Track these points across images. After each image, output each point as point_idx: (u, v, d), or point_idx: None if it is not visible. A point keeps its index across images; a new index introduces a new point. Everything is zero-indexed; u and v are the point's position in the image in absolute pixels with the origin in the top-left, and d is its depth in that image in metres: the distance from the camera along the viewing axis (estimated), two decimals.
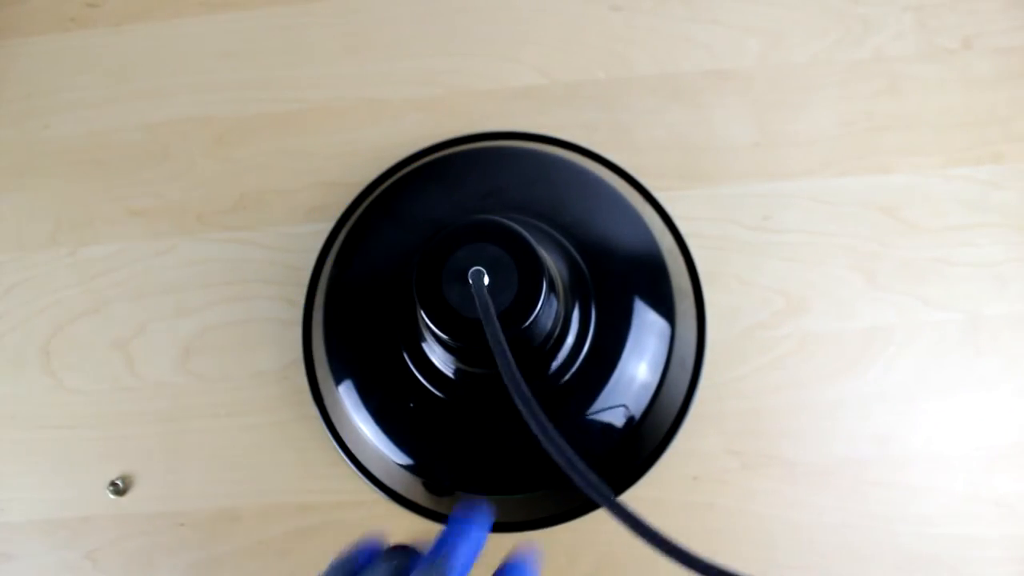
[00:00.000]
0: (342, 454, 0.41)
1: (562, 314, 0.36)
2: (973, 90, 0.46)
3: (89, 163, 0.47)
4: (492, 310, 0.29)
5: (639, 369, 0.39)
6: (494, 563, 0.28)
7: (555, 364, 0.37)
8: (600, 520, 0.40)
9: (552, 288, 0.33)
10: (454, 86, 0.47)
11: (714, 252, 0.44)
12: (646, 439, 0.40)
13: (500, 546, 0.41)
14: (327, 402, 0.42)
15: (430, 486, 0.40)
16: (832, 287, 0.43)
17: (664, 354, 0.40)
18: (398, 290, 0.40)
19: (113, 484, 0.42)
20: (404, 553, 0.29)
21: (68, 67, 0.49)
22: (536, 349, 0.35)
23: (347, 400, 0.41)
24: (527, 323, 0.31)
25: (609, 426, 0.39)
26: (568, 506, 0.40)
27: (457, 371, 0.38)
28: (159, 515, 0.42)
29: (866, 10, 0.47)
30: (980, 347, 0.42)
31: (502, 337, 0.28)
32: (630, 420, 0.39)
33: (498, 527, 0.40)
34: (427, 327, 0.32)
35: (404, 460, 0.40)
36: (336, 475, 0.42)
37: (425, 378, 0.39)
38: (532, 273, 0.31)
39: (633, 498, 0.40)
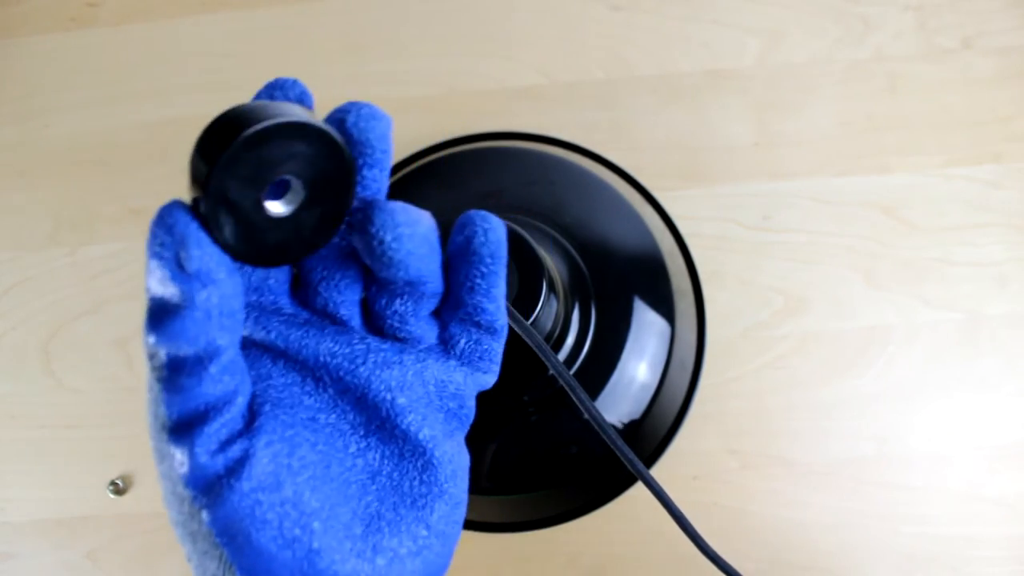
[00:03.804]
0: None
1: (562, 314, 0.36)
2: (973, 90, 0.46)
3: (89, 163, 0.47)
4: (514, 311, 0.29)
5: (639, 369, 0.39)
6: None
7: None
8: (600, 520, 0.40)
9: (552, 288, 0.33)
10: (454, 86, 0.47)
11: (714, 252, 0.44)
12: (646, 439, 0.40)
13: (500, 546, 0.41)
14: None
15: None
16: (832, 287, 0.43)
17: (664, 354, 0.40)
18: None
19: (113, 484, 0.42)
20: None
21: (68, 67, 0.49)
22: None
23: None
24: (527, 324, 0.31)
25: (609, 426, 0.38)
26: (568, 506, 0.40)
27: None
28: (159, 515, 0.42)
29: (866, 10, 0.47)
30: (980, 347, 0.42)
31: (537, 335, 0.28)
32: (630, 420, 0.39)
33: (499, 527, 0.40)
34: None
35: None
36: None
37: None
38: (532, 273, 0.31)
39: (634, 498, 0.40)
